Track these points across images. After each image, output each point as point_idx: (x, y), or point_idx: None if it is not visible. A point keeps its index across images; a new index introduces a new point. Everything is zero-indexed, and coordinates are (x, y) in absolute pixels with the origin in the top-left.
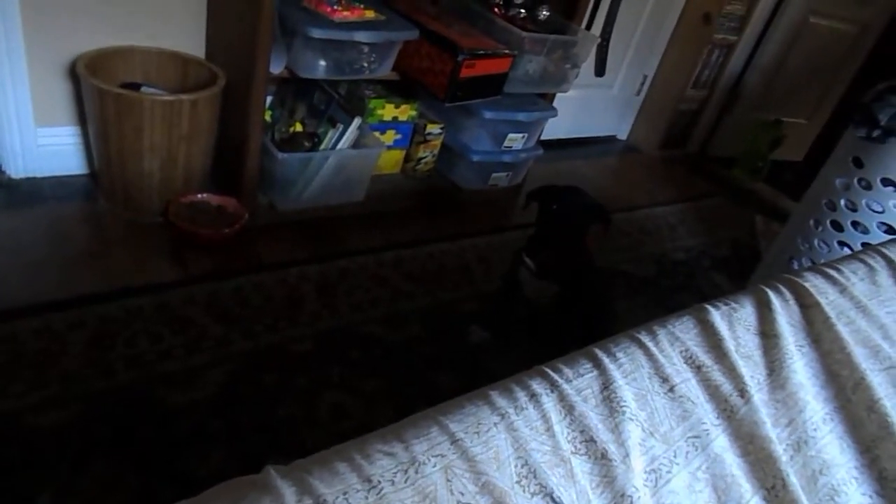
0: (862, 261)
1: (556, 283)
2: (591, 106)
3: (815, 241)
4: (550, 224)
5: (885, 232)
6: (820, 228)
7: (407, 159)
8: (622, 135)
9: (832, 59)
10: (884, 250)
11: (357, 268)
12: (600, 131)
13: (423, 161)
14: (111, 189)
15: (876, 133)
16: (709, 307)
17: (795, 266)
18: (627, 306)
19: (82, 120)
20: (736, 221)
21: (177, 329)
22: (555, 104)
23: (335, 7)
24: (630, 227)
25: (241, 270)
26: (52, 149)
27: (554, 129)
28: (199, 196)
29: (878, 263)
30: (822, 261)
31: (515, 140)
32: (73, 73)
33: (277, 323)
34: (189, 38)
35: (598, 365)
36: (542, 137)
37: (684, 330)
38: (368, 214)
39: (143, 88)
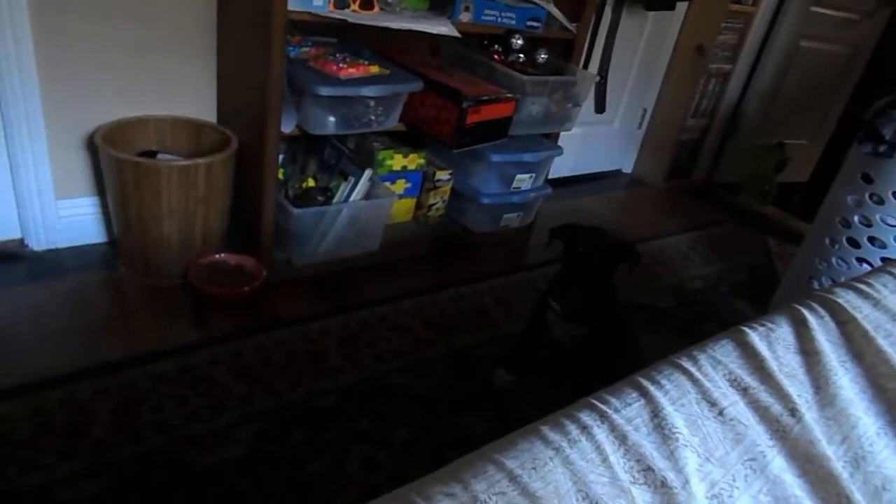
0: (890, 273)
1: (584, 324)
2: (594, 142)
3: (833, 260)
4: (578, 266)
5: None
6: (836, 246)
7: (418, 207)
8: (627, 168)
9: (827, 79)
10: None
11: (376, 318)
12: (606, 166)
13: (435, 207)
14: (131, 255)
15: (882, 148)
16: (745, 329)
17: (816, 286)
18: (651, 339)
19: (101, 189)
20: (749, 246)
21: (202, 391)
22: (559, 143)
23: (341, 65)
24: (644, 260)
25: (262, 328)
26: (73, 220)
27: (560, 166)
28: (218, 256)
29: None
30: (843, 279)
31: (524, 181)
32: (91, 145)
33: (301, 379)
34: (201, 104)
35: (644, 393)
36: (550, 176)
37: (725, 353)
38: (384, 264)
39: (160, 155)
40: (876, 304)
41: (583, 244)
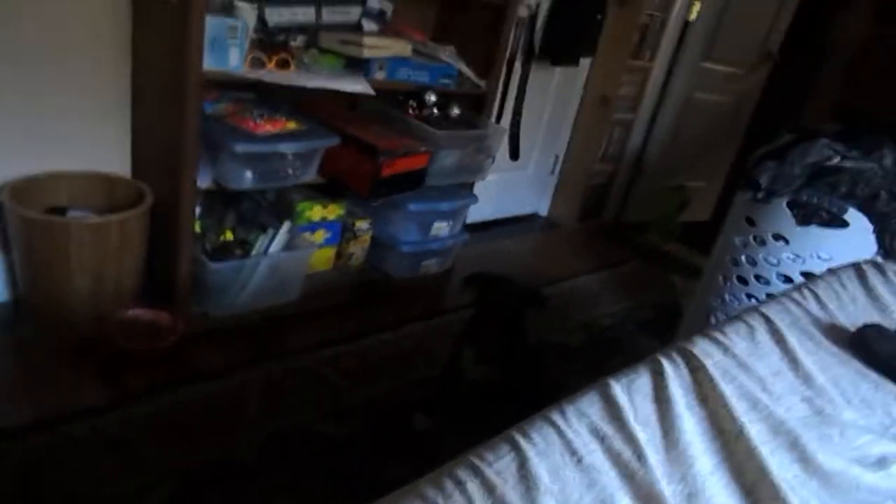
0: (744, 321)
1: (498, 367)
2: (510, 187)
3: (726, 296)
4: (490, 313)
5: (784, 282)
6: (728, 284)
7: (339, 256)
8: (543, 211)
9: (719, 127)
10: (762, 310)
11: (297, 367)
12: (522, 210)
13: (355, 256)
14: (38, 315)
15: (760, 195)
16: (610, 381)
17: (713, 321)
18: (563, 376)
19: (5, 247)
20: (655, 283)
21: (113, 453)
22: (476, 189)
23: (258, 121)
24: (557, 299)
25: (179, 383)
26: None
27: (478, 212)
28: (132, 312)
29: (756, 322)
30: (736, 314)
31: (441, 228)
32: None
33: (219, 433)
34: (115, 159)
35: (515, 447)
36: (469, 221)
37: (589, 404)
38: (304, 313)
39: (70, 212)
40: (726, 350)
41: (494, 292)
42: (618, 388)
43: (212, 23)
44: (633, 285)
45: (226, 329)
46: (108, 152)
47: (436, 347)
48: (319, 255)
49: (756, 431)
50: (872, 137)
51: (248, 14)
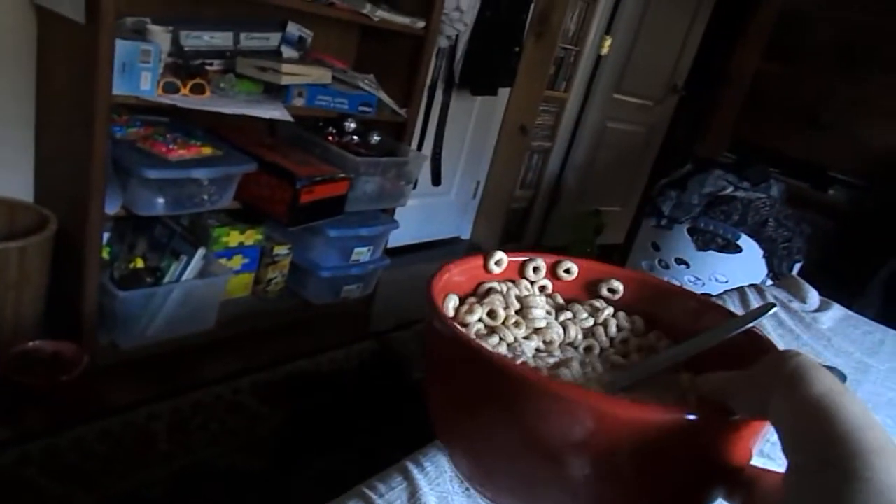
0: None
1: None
2: (433, 211)
3: None
4: None
5: None
6: None
7: (257, 281)
8: (465, 235)
9: (631, 155)
10: None
11: (211, 398)
12: (444, 234)
13: (274, 282)
14: None
15: (663, 222)
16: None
17: None
18: None
19: None
20: None
21: (9, 495)
22: (397, 214)
23: (171, 146)
24: None
25: (84, 418)
26: None
27: (401, 235)
28: (32, 344)
29: None
30: None
31: (362, 253)
32: None
33: (127, 470)
34: (15, 183)
35: (407, 476)
36: (391, 245)
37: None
38: (221, 341)
39: None
40: None
41: None
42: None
43: (123, 46)
44: None
45: (136, 360)
46: (9, 176)
47: (357, 373)
48: (237, 281)
49: None
50: (759, 168)
51: (161, 38)
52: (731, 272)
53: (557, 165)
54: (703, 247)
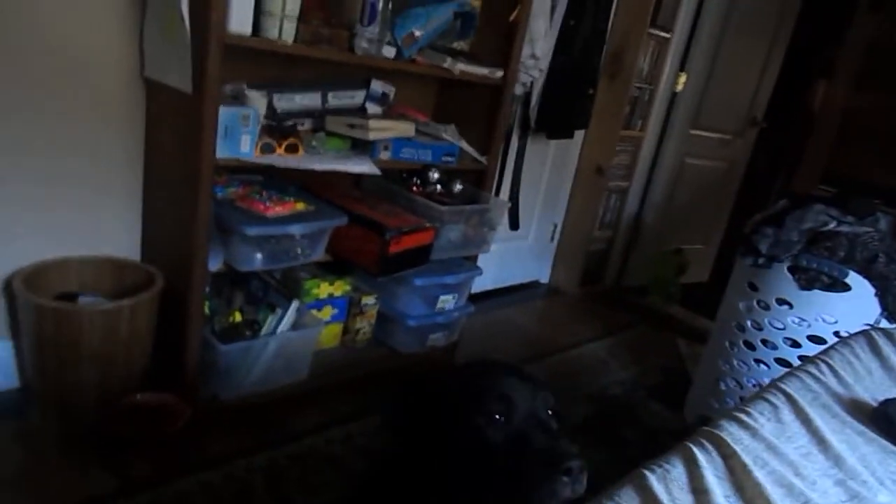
0: (766, 400)
1: None
2: (511, 256)
3: (735, 362)
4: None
5: (791, 346)
6: (735, 349)
7: (345, 332)
8: (544, 278)
9: (712, 191)
10: (782, 386)
11: (306, 450)
12: (523, 278)
13: (362, 331)
14: (46, 401)
15: (761, 261)
16: (645, 472)
17: (723, 387)
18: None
19: (14, 332)
20: (661, 348)
21: None
22: (479, 260)
23: (267, 204)
24: (565, 368)
25: (186, 470)
26: None
27: (481, 282)
28: (139, 396)
29: (778, 400)
30: (745, 379)
31: (447, 301)
32: (8, 288)
33: None
34: (124, 243)
35: None
36: (472, 291)
37: (629, 499)
38: (313, 391)
39: (80, 298)
40: (754, 434)
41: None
42: (653, 480)
43: (225, 112)
44: (638, 350)
45: (234, 411)
46: (118, 237)
47: None
48: (327, 331)
49: None
50: (864, 202)
51: (258, 102)
52: (840, 312)
53: (636, 204)
54: (806, 286)
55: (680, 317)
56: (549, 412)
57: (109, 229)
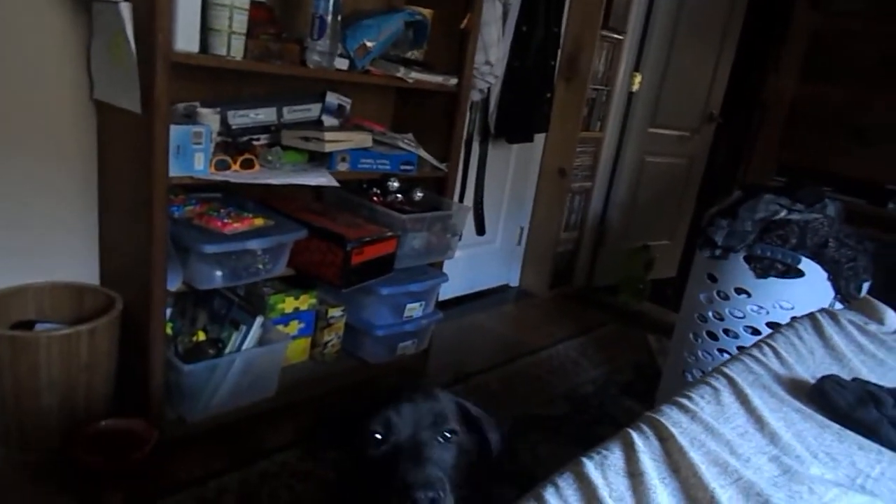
0: (707, 384)
1: None
2: (479, 261)
3: (699, 353)
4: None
5: (752, 334)
6: (699, 340)
7: (314, 345)
8: (514, 282)
9: (674, 187)
10: (724, 369)
11: (277, 467)
12: (492, 282)
13: (330, 344)
14: (7, 430)
15: (717, 252)
16: (584, 459)
17: (689, 378)
18: (549, 449)
19: None
20: (631, 344)
21: None
22: (445, 267)
23: (225, 220)
24: (537, 370)
25: (156, 495)
26: None
27: (450, 288)
28: (103, 423)
29: (720, 383)
30: (709, 369)
31: (415, 309)
32: None
33: None
34: (82, 268)
35: None
36: (441, 298)
37: (566, 486)
38: (282, 408)
39: (38, 325)
40: (693, 416)
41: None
42: (590, 466)
43: (177, 131)
44: (610, 348)
45: (202, 433)
46: (76, 262)
47: None
48: (294, 346)
49: (727, 497)
50: (812, 189)
51: (211, 119)
52: (796, 297)
53: (600, 204)
54: (762, 274)
55: (649, 313)
56: (445, 433)
57: (66, 254)
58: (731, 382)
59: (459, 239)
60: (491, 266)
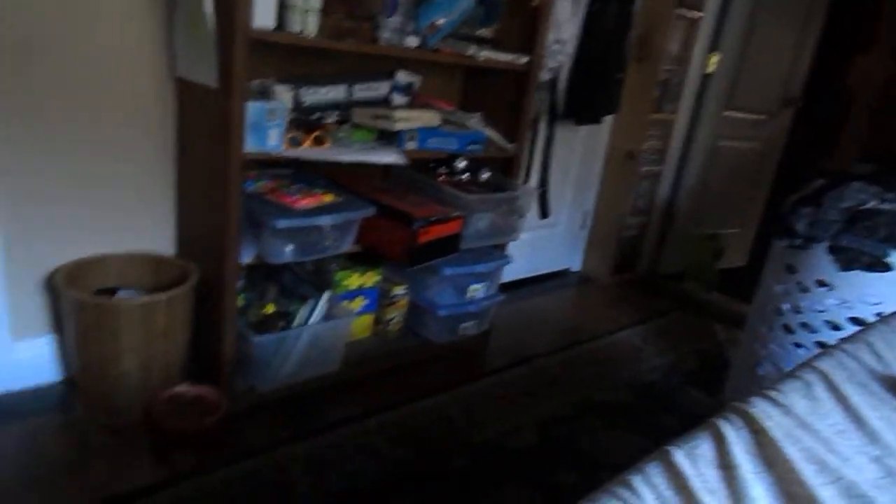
0: (799, 378)
1: None
2: (542, 245)
3: (772, 346)
4: None
5: (832, 329)
6: (773, 333)
7: (377, 322)
8: (575, 266)
9: (748, 172)
10: (816, 364)
11: (342, 439)
12: (554, 266)
13: (393, 321)
14: (88, 394)
15: (798, 242)
16: (671, 449)
17: (761, 372)
18: (611, 437)
19: (59, 327)
20: (698, 333)
21: None
22: (508, 249)
23: (296, 196)
24: (598, 355)
25: (227, 460)
26: (29, 361)
27: (512, 270)
28: (178, 389)
29: (812, 378)
30: (783, 363)
31: (477, 289)
32: (50, 285)
33: None
34: (160, 239)
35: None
36: (502, 280)
37: (655, 474)
38: (347, 382)
39: (119, 293)
40: (786, 411)
41: None
42: (679, 456)
43: (253, 107)
44: (674, 337)
45: (270, 403)
46: (154, 233)
47: (479, 411)
48: (358, 322)
49: (829, 496)
50: None
51: (284, 96)
52: (883, 293)
53: (669, 189)
54: (846, 266)
55: (717, 302)
56: None
57: (145, 226)
58: (825, 378)
59: (525, 220)
60: (553, 250)
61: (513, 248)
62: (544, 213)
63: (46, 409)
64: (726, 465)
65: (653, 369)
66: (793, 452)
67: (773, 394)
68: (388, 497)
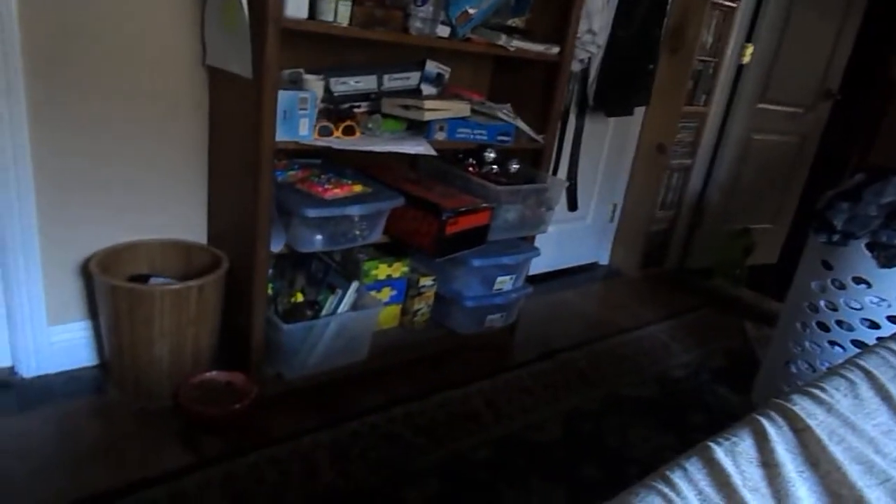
0: (842, 376)
1: None
2: (570, 238)
3: (806, 344)
4: None
5: (869, 327)
6: (807, 330)
7: (404, 312)
8: (603, 260)
9: (782, 167)
10: (860, 362)
11: (367, 428)
12: (582, 260)
13: (420, 312)
14: (122, 378)
15: (835, 237)
16: (712, 445)
17: (794, 370)
18: (638, 433)
19: (93, 313)
20: (726, 330)
21: None
22: (536, 242)
23: (326, 186)
24: (625, 350)
25: (255, 446)
26: (64, 345)
27: (539, 263)
28: (208, 375)
29: (857, 377)
30: (818, 361)
31: (505, 282)
32: (85, 271)
33: (293, 498)
34: (191, 227)
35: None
36: (530, 272)
37: (695, 471)
38: (373, 371)
39: (152, 279)
40: (830, 409)
41: None
42: (720, 452)
43: (284, 96)
44: (703, 333)
45: (298, 390)
46: (186, 221)
47: (505, 404)
48: (386, 312)
49: (876, 497)
50: None
51: (315, 86)
52: None
53: (700, 183)
54: (886, 263)
55: (746, 299)
56: None
57: (177, 214)
58: (870, 376)
59: (553, 212)
60: (581, 243)
61: (541, 241)
62: (573, 205)
63: (80, 392)
64: (768, 464)
65: (680, 366)
66: (838, 452)
67: (815, 391)
68: (411, 487)
